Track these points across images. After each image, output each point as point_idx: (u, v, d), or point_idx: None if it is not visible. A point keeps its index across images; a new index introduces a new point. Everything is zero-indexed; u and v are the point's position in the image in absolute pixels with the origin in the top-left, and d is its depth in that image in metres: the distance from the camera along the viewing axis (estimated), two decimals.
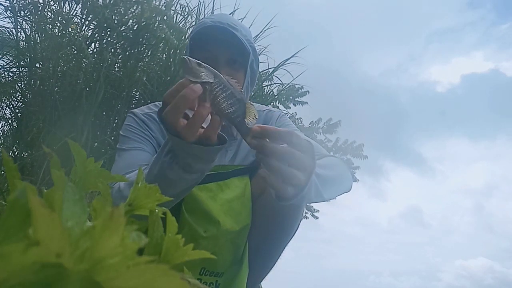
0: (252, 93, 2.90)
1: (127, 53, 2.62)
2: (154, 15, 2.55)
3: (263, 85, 3.09)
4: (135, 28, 2.58)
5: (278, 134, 0.70)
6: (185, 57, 0.69)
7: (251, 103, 0.76)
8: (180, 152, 0.74)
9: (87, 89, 2.43)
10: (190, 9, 2.88)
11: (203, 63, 0.70)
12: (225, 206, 1.04)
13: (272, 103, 3.11)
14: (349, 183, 1.07)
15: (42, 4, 2.50)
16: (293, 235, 1.11)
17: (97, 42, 2.64)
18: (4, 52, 2.56)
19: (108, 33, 2.60)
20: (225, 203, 1.04)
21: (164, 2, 2.67)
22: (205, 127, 0.71)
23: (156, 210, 0.44)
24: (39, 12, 2.47)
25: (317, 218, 3.88)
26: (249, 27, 2.88)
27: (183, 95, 0.65)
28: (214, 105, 0.70)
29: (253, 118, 0.74)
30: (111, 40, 2.63)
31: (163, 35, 2.50)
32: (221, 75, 0.72)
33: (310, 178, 0.71)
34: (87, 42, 2.57)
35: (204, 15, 2.77)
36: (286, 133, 0.70)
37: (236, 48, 1.07)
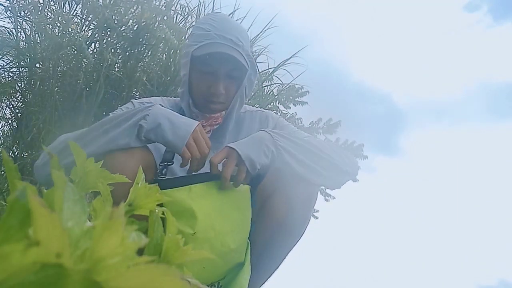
0: (252, 93, 2.90)
1: (127, 53, 2.62)
2: (154, 15, 2.55)
3: (263, 85, 3.09)
4: (135, 28, 2.58)
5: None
6: None
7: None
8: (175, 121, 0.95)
9: (87, 89, 2.43)
10: (190, 9, 2.89)
11: None
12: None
13: (272, 103, 3.11)
14: (352, 169, 1.10)
15: (42, 4, 2.50)
16: (299, 239, 1.11)
17: (97, 42, 2.64)
18: (4, 52, 2.56)
19: (108, 33, 2.60)
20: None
21: (164, 2, 2.67)
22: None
23: (156, 210, 0.44)
24: (39, 12, 2.47)
25: (317, 218, 3.87)
26: (249, 27, 2.88)
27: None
28: None
29: None
30: (111, 40, 2.63)
31: (163, 35, 2.50)
32: None
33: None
34: (87, 42, 2.57)
35: (204, 15, 2.77)
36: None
37: (235, 65, 1.15)
